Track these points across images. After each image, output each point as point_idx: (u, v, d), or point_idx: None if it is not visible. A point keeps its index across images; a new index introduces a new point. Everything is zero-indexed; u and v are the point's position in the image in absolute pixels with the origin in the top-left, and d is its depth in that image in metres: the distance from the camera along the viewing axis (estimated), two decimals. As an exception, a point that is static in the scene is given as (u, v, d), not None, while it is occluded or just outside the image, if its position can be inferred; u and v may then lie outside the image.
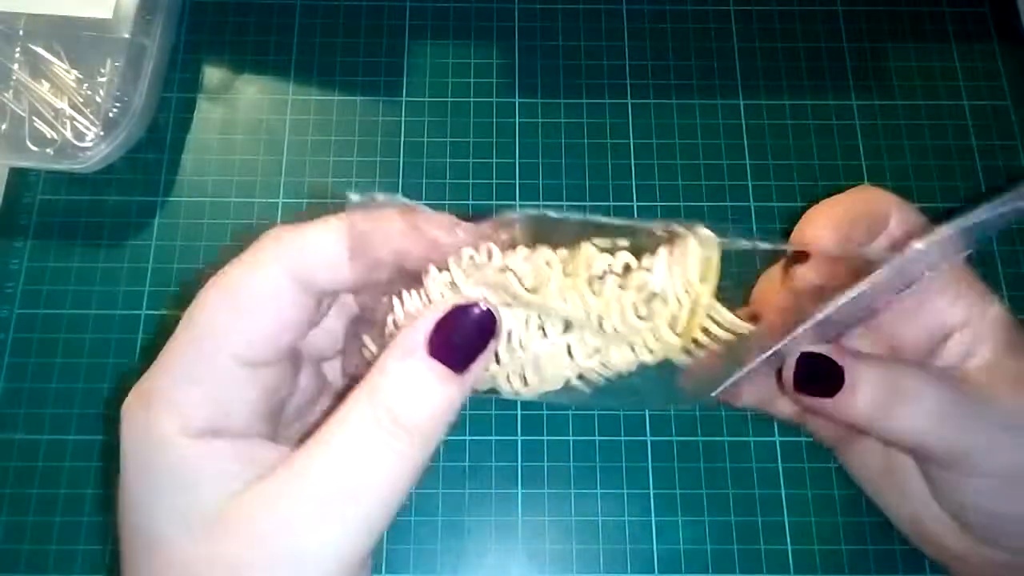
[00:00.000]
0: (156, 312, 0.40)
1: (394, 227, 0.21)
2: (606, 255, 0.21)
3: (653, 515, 0.37)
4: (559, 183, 0.42)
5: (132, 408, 0.21)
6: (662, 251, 0.21)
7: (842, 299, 0.22)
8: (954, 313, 0.26)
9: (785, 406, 0.30)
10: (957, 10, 0.46)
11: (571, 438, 0.38)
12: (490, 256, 0.21)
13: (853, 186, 0.27)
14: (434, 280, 0.22)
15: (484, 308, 0.20)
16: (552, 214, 0.21)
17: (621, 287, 0.21)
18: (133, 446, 0.21)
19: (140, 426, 0.21)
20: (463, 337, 0.20)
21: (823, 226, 0.25)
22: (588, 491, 0.37)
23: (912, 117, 0.44)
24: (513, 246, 0.22)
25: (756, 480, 0.37)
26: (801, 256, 0.25)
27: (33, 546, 0.36)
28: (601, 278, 0.21)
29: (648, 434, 0.38)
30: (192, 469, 0.20)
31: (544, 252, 0.21)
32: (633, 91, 0.44)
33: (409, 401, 0.19)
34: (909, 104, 0.44)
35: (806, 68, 0.45)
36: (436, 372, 0.20)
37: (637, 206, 0.42)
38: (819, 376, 0.24)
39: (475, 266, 0.21)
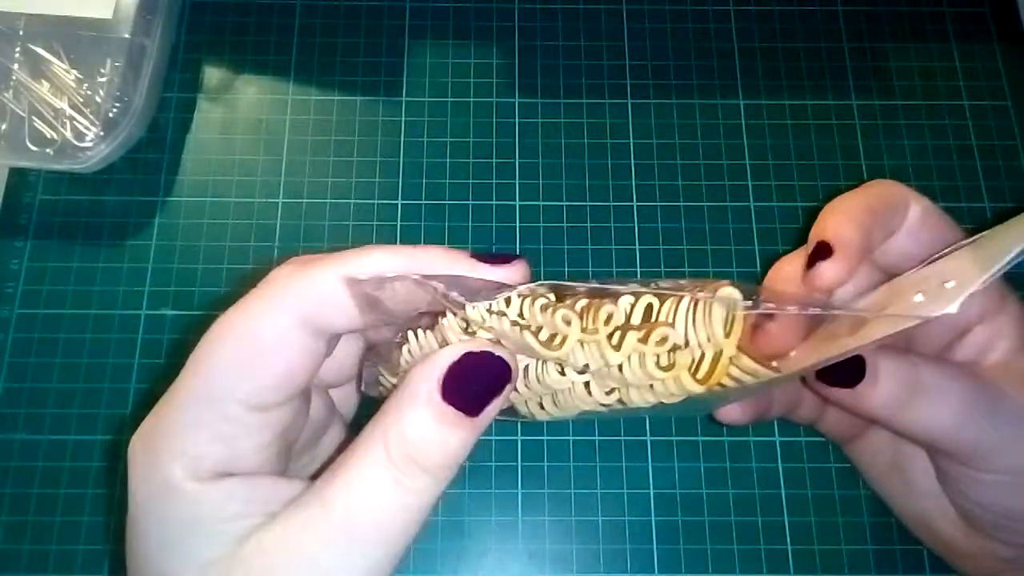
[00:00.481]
0: (156, 312, 0.40)
1: (402, 289, 0.21)
2: (626, 300, 0.21)
3: (653, 515, 0.37)
4: (559, 183, 0.42)
5: (137, 451, 0.21)
6: (684, 303, 0.21)
7: (885, 332, 0.21)
8: (972, 310, 0.26)
9: (805, 410, 0.30)
10: (957, 10, 0.46)
11: (571, 438, 0.38)
12: (508, 304, 0.21)
13: (853, 186, 0.27)
14: (450, 325, 0.21)
15: (497, 355, 0.20)
16: (579, 286, 0.21)
17: (641, 341, 0.20)
18: (142, 489, 0.20)
19: (147, 472, 0.20)
20: (476, 383, 0.20)
21: (843, 220, 0.25)
22: (588, 491, 0.37)
23: (912, 117, 0.44)
24: (532, 296, 0.21)
25: (756, 480, 0.37)
26: (824, 252, 0.25)
27: (33, 546, 0.36)
28: (622, 330, 0.21)
29: (648, 434, 0.38)
30: (204, 514, 0.19)
31: (561, 312, 0.21)
32: (633, 91, 0.44)
33: (423, 444, 0.19)
34: (909, 104, 0.44)
35: (806, 68, 0.45)
36: (449, 417, 0.19)
37: (637, 206, 0.42)
38: (841, 367, 0.24)
39: (491, 313, 0.21)
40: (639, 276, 0.36)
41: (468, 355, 0.20)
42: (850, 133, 0.44)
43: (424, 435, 0.19)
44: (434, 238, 0.41)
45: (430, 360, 0.20)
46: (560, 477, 0.37)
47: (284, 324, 0.20)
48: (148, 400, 0.38)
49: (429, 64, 0.45)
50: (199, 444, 0.20)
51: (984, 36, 0.46)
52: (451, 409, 0.19)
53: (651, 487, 0.37)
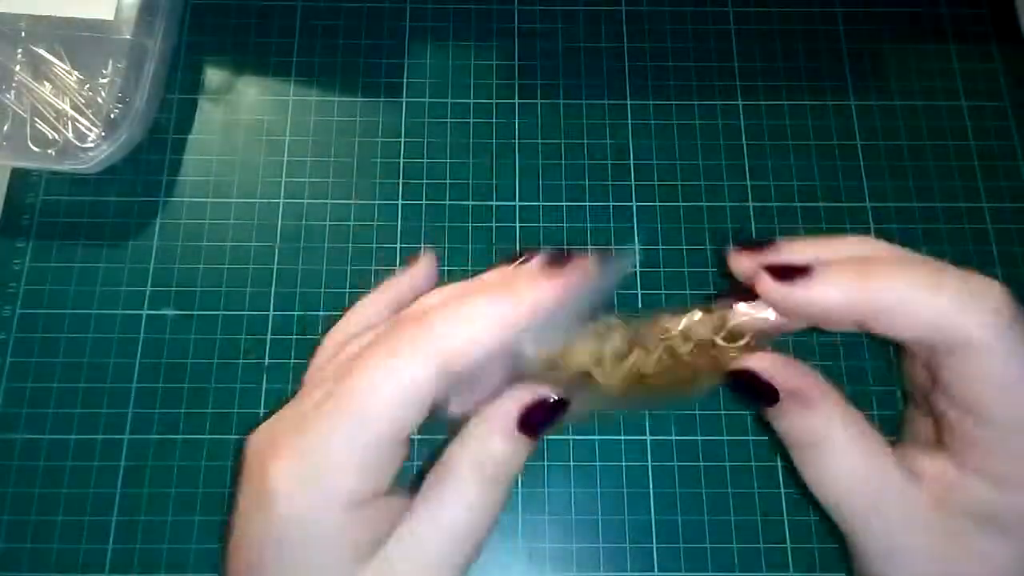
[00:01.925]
0: (157, 312, 0.40)
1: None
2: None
3: (653, 514, 0.37)
4: (559, 184, 0.43)
5: (284, 475, 0.23)
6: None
7: None
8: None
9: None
10: (956, 11, 0.47)
11: (571, 437, 0.38)
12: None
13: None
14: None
15: (556, 399, 0.26)
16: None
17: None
18: (287, 512, 0.23)
19: (298, 496, 0.23)
20: (541, 418, 0.26)
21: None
22: (588, 490, 0.37)
23: (910, 118, 0.44)
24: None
25: (755, 478, 0.37)
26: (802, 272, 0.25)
27: (35, 545, 0.36)
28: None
29: (648, 433, 0.38)
30: (349, 536, 0.23)
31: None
32: (632, 92, 0.45)
33: (503, 464, 0.25)
34: (907, 105, 0.44)
35: (804, 69, 0.45)
36: (522, 442, 0.26)
37: (636, 206, 0.42)
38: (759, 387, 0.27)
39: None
40: (638, 276, 0.40)
41: (538, 400, 0.26)
42: (848, 134, 0.44)
43: (504, 457, 0.25)
44: (434, 238, 0.41)
45: (508, 399, 0.26)
46: (560, 476, 0.38)
47: (426, 377, 0.23)
48: (148, 399, 0.38)
49: (429, 65, 0.45)
50: (350, 476, 0.23)
51: (983, 37, 0.46)
52: (523, 436, 0.25)
53: (651, 486, 0.37)
